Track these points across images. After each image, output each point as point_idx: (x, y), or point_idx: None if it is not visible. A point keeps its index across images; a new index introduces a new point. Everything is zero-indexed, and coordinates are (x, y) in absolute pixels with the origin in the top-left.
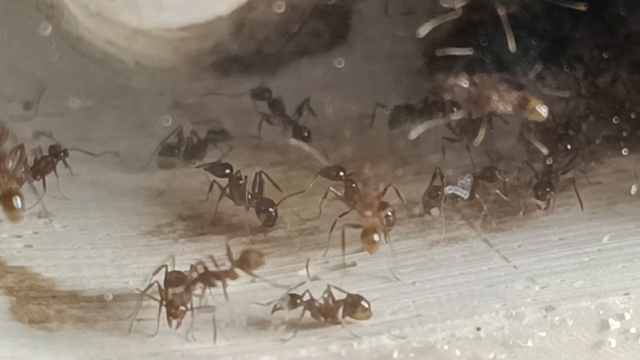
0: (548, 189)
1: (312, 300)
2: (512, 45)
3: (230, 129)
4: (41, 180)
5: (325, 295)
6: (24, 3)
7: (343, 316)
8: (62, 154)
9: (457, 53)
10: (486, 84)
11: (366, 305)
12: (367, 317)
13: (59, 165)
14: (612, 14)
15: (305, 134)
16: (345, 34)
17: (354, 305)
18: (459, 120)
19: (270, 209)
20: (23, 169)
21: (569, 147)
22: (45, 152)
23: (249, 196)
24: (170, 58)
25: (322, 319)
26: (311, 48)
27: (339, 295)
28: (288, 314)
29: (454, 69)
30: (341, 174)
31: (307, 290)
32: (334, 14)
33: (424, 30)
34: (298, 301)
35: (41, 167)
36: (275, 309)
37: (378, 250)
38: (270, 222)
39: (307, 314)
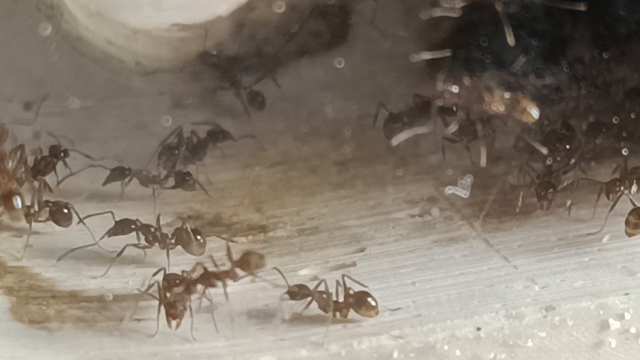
0: (551, 190)
1: (320, 292)
2: (510, 39)
3: (230, 129)
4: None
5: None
6: (24, 3)
7: (348, 311)
8: (62, 154)
9: (433, 57)
10: (477, 86)
11: (373, 303)
12: (374, 315)
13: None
14: (612, 14)
15: (260, 100)
16: (345, 34)
17: (360, 301)
18: (458, 121)
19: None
20: (23, 169)
21: (567, 147)
22: (46, 152)
23: None
24: (170, 58)
25: (329, 312)
26: (311, 48)
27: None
28: (290, 313)
29: (448, 73)
30: None
31: (323, 280)
32: (334, 14)
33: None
34: (306, 292)
35: (41, 167)
36: (282, 298)
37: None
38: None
39: (306, 309)
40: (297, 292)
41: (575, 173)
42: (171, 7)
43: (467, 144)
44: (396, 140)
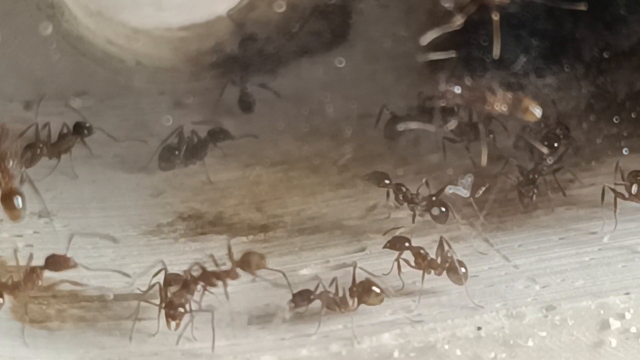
0: (530, 186)
1: (325, 292)
2: (496, 51)
3: (231, 128)
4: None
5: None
6: (24, 3)
7: (358, 304)
8: (85, 132)
9: (440, 57)
10: (479, 86)
11: (377, 290)
12: (381, 301)
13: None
14: (613, 14)
15: (251, 101)
16: (346, 34)
17: (365, 291)
18: (459, 121)
19: None
20: (24, 169)
21: (556, 145)
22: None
23: None
24: (170, 58)
25: (337, 309)
26: (312, 47)
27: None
28: (290, 313)
29: (449, 73)
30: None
31: (320, 282)
32: (334, 14)
33: (426, 39)
34: (312, 297)
35: (62, 146)
36: (291, 308)
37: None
38: None
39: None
40: (303, 299)
41: (576, 173)
42: (171, 7)
43: (467, 144)
44: (403, 126)
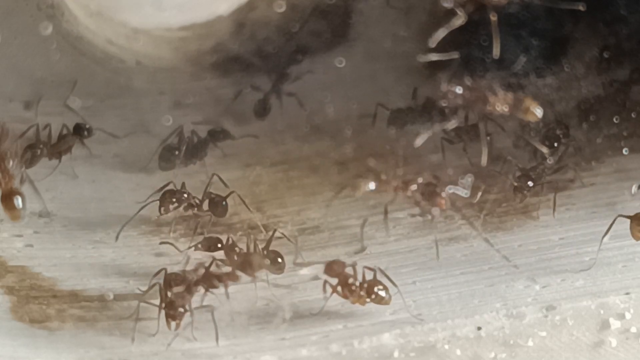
0: (529, 183)
1: (347, 275)
2: (496, 51)
3: (231, 128)
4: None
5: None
6: (25, 2)
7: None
8: (85, 133)
9: (440, 58)
10: (480, 86)
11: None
12: (386, 303)
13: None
14: (613, 14)
15: (268, 107)
16: (346, 34)
17: (370, 290)
18: (458, 121)
19: None
20: (24, 169)
21: (555, 144)
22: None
23: None
24: (170, 58)
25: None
26: (312, 47)
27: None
28: (291, 313)
29: (450, 73)
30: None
31: (352, 265)
32: (334, 14)
33: (434, 40)
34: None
35: (62, 147)
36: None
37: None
38: None
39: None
40: (334, 270)
41: (577, 174)
42: (171, 7)
43: (465, 146)
44: (420, 141)
